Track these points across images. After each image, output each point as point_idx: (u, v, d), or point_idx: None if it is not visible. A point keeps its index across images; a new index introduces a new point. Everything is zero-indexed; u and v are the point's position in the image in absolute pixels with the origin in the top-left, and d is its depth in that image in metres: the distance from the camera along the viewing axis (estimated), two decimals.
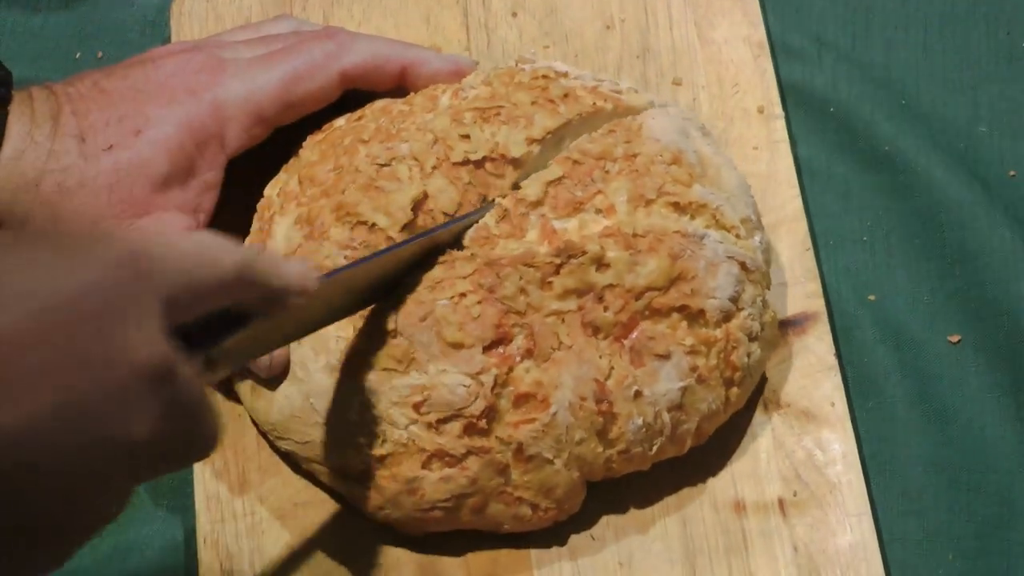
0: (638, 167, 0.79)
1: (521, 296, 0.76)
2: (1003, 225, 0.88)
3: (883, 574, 0.79)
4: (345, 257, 0.78)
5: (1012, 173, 0.91)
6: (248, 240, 0.83)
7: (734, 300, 0.78)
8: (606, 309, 0.77)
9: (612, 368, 0.76)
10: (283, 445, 0.80)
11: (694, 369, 0.77)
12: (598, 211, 0.78)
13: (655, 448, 0.78)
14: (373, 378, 0.76)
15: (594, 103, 0.81)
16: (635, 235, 0.77)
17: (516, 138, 0.79)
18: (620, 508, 0.81)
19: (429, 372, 0.76)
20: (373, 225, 0.78)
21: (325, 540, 0.80)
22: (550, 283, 0.76)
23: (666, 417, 0.77)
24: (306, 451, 0.78)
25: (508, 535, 0.80)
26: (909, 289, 0.88)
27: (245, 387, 0.81)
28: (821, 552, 0.79)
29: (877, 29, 0.95)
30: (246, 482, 0.82)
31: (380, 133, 0.81)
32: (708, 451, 0.82)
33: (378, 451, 0.76)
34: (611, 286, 0.77)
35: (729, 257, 0.79)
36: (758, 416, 0.83)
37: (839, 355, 0.85)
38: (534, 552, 0.80)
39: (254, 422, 0.82)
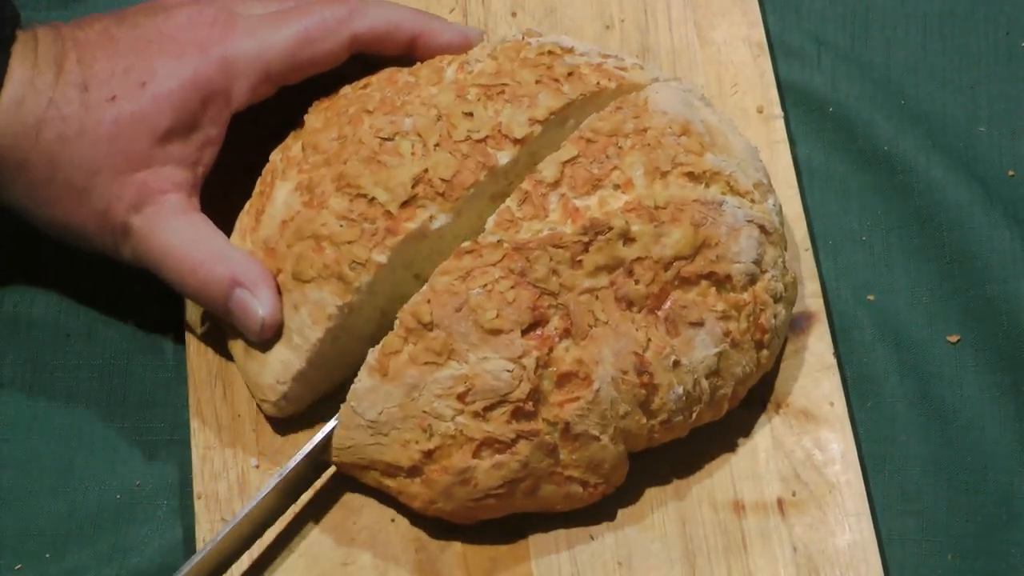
0: (650, 141, 0.80)
1: (553, 277, 0.77)
2: (1002, 225, 0.88)
3: (882, 574, 0.79)
4: (342, 225, 0.78)
5: (1011, 173, 0.90)
6: (248, 203, 0.83)
7: (757, 263, 0.79)
8: (637, 282, 0.77)
9: (649, 340, 0.77)
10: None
11: (727, 334, 0.78)
12: (616, 186, 0.79)
13: (694, 415, 0.79)
14: (414, 373, 0.76)
15: (598, 82, 0.81)
16: (656, 207, 0.78)
17: (519, 118, 0.80)
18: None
19: (470, 361, 0.76)
20: (373, 199, 0.78)
21: (324, 540, 0.80)
22: (580, 261, 0.77)
23: (704, 384, 0.78)
24: (349, 456, 0.78)
25: (508, 530, 0.80)
26: (908, 289, 0.88)
27: (238, 346, 0.82)
28: (820, 552, 0.79)
29: (876, 29, 0.95)
30: (246, 482, 0.82)
31: (385, 104, 0.81)
32: (707, 451, 0.82)
33: (426, 445, 0.77)
34: (639, 259, 0.77)
35: (749, 221, 0.80)
36: (757, 416, 0.83)
37: (838, 355, 0.85)
38: (533, 551, 0.80)
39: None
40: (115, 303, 0.88)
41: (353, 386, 0.78)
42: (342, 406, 0.78)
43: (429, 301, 0.77)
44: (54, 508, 0.83)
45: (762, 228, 0.80)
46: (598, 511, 0.81)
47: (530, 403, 0.76)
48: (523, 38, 0.84)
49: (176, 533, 0.82)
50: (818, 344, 0.84)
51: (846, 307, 0.87)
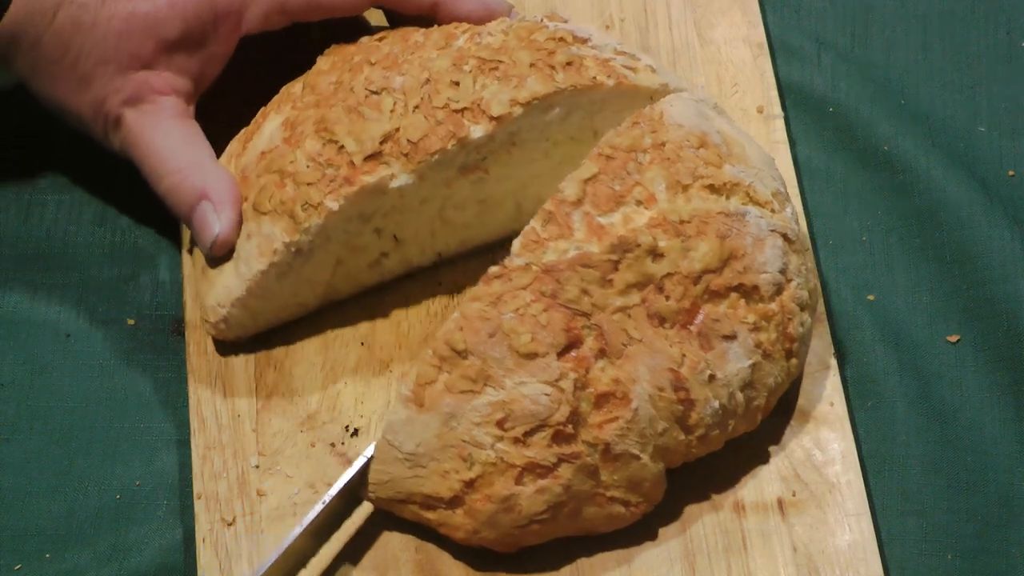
0: (668, 155, 0.79)
1: (585, 297, 0.76)
2: (1002, 225, 0.88)
3: (882, 574, 0.79)
4: (308, 166, 0.80)
5: (1011, 173, 0.91)
6: (244, 130, 0.85)
7: (783, 272, 0.79)
8: (668, 298, 0.77)
9: (684, 355, 0.77)
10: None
11: (759, 345, 0.78)
12: (639, 202, 0.78)
13: (730, 427, 0.79)
14: (451, 402, 0.76)
15: (595, 77, 0.81)
16: (681, 221, 0.78)
17: (501, 97, 0.80)
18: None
19: (507, 387, 0.76)
20: (342, 147, 0.80)
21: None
22: (610, 280, 0.77)
23: (739, 396, 0.78)
24: (386, 490, 0.78)
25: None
26: (909, 289, 0.88)
27: (198, 263, 0.84)
28: (820, 552, 0.79)
29: (877, 29, 0.95)
30: (246, 482, 0.82)
31: (387, 59, 0.82)
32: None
33: (467, 475, 0.76)
34: (669, 275, 0.77)
35: (772, 231, 0.79)
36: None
37: (838, 355, 0.85)
38: (532, 551, 0.80)
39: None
40: (115, 303, 0.88)
41: (388, 418, 0.77)
42: (376, 440, 0.78)
43: (462, 328, 0.76)
44: (54, 508, 0.83)
45: (785, 237, 0.80)
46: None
47: (570, 426, 0.76)
48: (542, 20, 0.84)
49: (176, 533, 0.82)
50: (818, 344, 0.84)
51: (846, 307, 0.87)
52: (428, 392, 0.76)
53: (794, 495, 0.81)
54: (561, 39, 0.82)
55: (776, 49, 0.93)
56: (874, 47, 0.95)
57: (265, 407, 0.83)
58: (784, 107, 0.91)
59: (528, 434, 0.76)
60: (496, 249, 0.86)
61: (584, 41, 0.83)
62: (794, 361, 0.80)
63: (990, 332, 0.86)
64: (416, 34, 0.84)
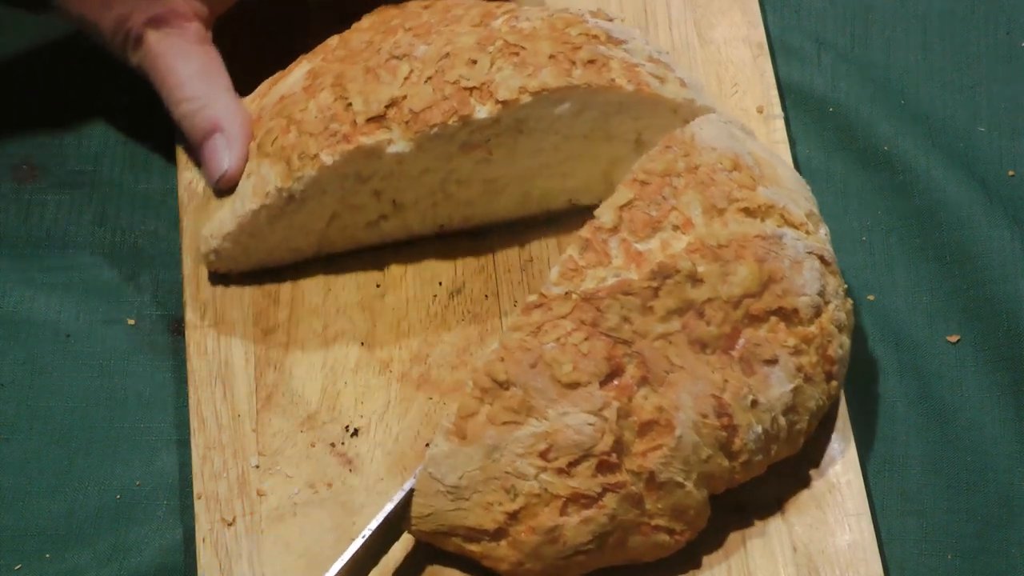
0: (702, 178, 0.79)
1: (625, 325, 0.76)
2: (1002, 225, 0.88)
3: (882, 574, 0.79)
4: (316, 117, 0.81)
5: (1011, 173, 0.91)
6: (278, 72, 0.86)
7: (821, 294, 0.79)
8: (708, 323, 0.76)
9: (726, 381, 0.76)
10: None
11: (800, 369, 0.78)
12: (675, 227, 0.78)
13: (773, 452, 0.78)
14: (493, 434, 0.75)
15: (613, 79, 0.81)
16: (719, 246, 0.77)
17: (511, 83, 0.80)
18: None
19: (550, 417, 0.75)
20: (350, 105, 0.80)
21: (324, 540, 0.80)
22: (651, 307, 0.76)
23: (782, 420, 0.78)
24: (429, 523, 0.78)
25: None
26: (909, 289, 0.88)
27: (206, 191, 0.85)
28: (820, 552, 0.79)
29: (877, 29, 0.95)
30: (246, 482, 0.82)
31: (422, 27, 0.83)
32: None
33: (511, 507, 0.76)
34: (709, 300, 0.76)
35: (809, 252, 0.79)
36: None
37: None
38: None
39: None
40: (115, 303, 0.88)
41: (430, 452, 0.76)
42: (417, 472, 0.77)
43: (503, 359, 0.76)
44: (54, 508, 0.83)
45: (821, 258, 0.79)
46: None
47: (614, 455, 0.75)
48: (584, 14, 0.84)
49: (176, 533, 0.82)
50: None
51: None
52: (470, 424, 0.76)
53: (794, 495, 0.81)
54: (594, 36, 0.82)
55: (776, 49, 0.93)
56: (874, 47, 0.95)
57: (265, 407, 0.83)
58: (784, 107, 0.91)
59: (572, 464, 0.75)
60: (493, 233, 0.87)
61: (619, 43, 0.82)
62: (834, 383, 0.80)
63: (990, 332, 0.86)
64: (457, 8, 0.84)
